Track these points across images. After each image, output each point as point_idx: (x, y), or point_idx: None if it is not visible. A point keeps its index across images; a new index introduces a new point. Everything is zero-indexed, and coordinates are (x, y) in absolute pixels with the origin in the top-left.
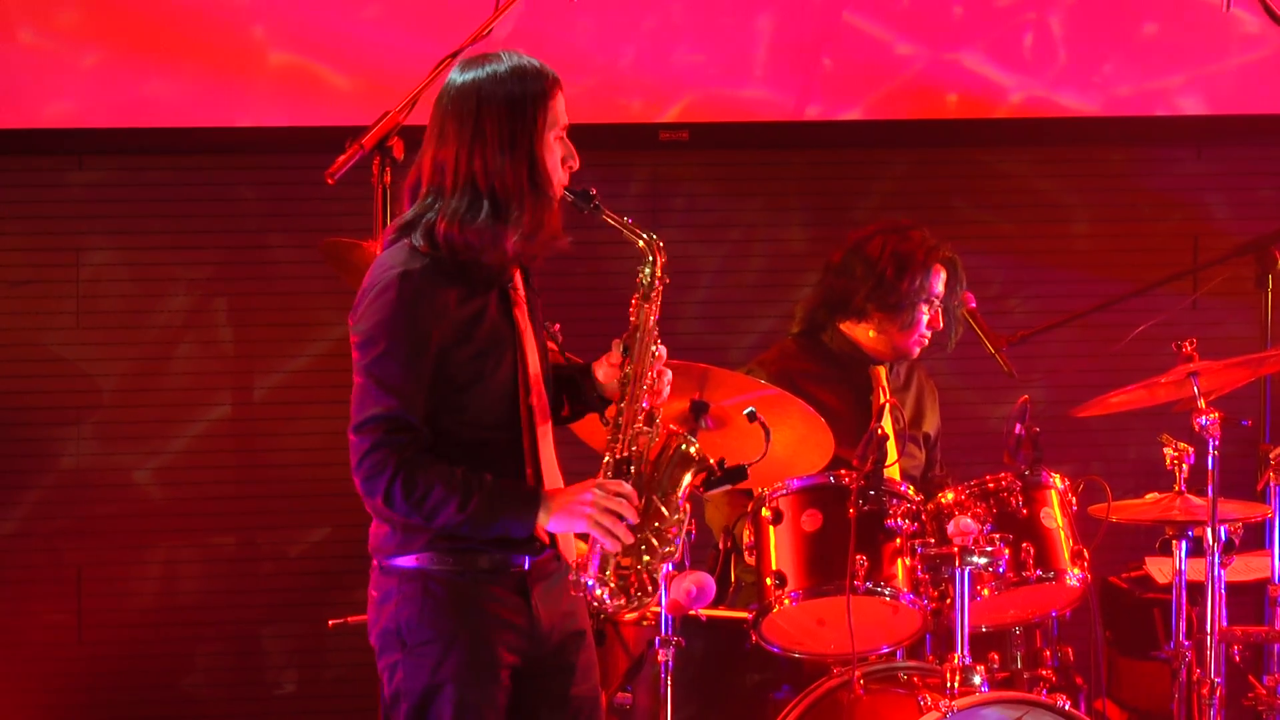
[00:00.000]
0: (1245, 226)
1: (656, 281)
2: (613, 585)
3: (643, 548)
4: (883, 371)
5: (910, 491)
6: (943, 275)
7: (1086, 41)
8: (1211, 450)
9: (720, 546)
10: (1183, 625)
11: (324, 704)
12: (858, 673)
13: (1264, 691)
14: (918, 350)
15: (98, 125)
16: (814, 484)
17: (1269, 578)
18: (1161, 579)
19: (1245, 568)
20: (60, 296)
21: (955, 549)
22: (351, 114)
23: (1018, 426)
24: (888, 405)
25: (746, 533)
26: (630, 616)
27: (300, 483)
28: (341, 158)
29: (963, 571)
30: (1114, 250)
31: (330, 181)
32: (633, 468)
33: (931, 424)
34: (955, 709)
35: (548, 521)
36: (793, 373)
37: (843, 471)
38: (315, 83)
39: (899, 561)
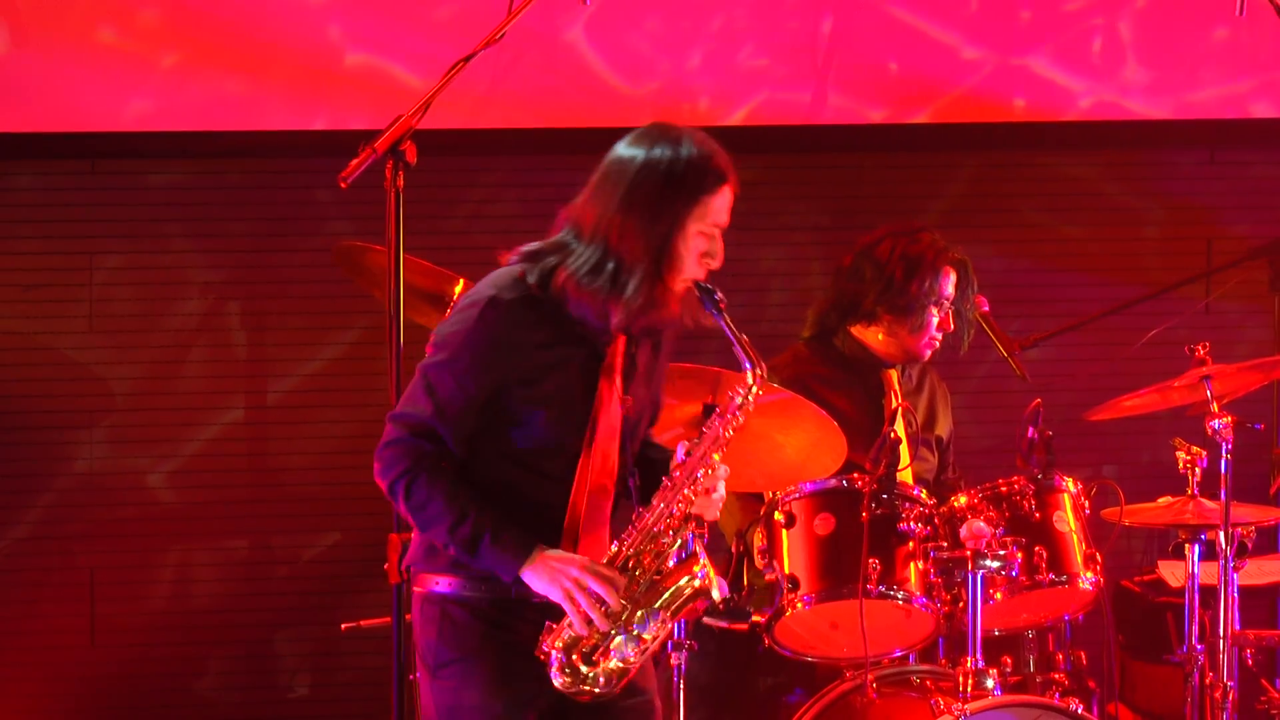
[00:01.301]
0: (1259, 230)
1: (748, 402)
2: (570, 668)
3: (611, 644)
4: (895, 375)
5: (923, 495)
6: (953, 277)
7: (1155, 46)
8: (1224, 454)
9: (733, 550)
10: (1195, 629)
11: (337, 708)
12: (870, 676)
13: (1277, 695)
14: (929, 353)
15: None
16: (827, 488)
17: None
18: (1174, 583)
19: (1258, 571)
20: (73, 300)
21: (968, 552)
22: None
23: (1030, 430)
24: (900, 409)
25: (758, 537)
26: (585, 700)
27: (313, 486)
28: (354, 161)
29: (975, 575)
30: (1127, 254)
31: (343, 185)
32: (634, 566)
33: (944, 427)
34: (968, 713)
35: (527, 575)
36: (805, 377)
37: (856, 475)
38: (390, 83)
39: (912, 565)
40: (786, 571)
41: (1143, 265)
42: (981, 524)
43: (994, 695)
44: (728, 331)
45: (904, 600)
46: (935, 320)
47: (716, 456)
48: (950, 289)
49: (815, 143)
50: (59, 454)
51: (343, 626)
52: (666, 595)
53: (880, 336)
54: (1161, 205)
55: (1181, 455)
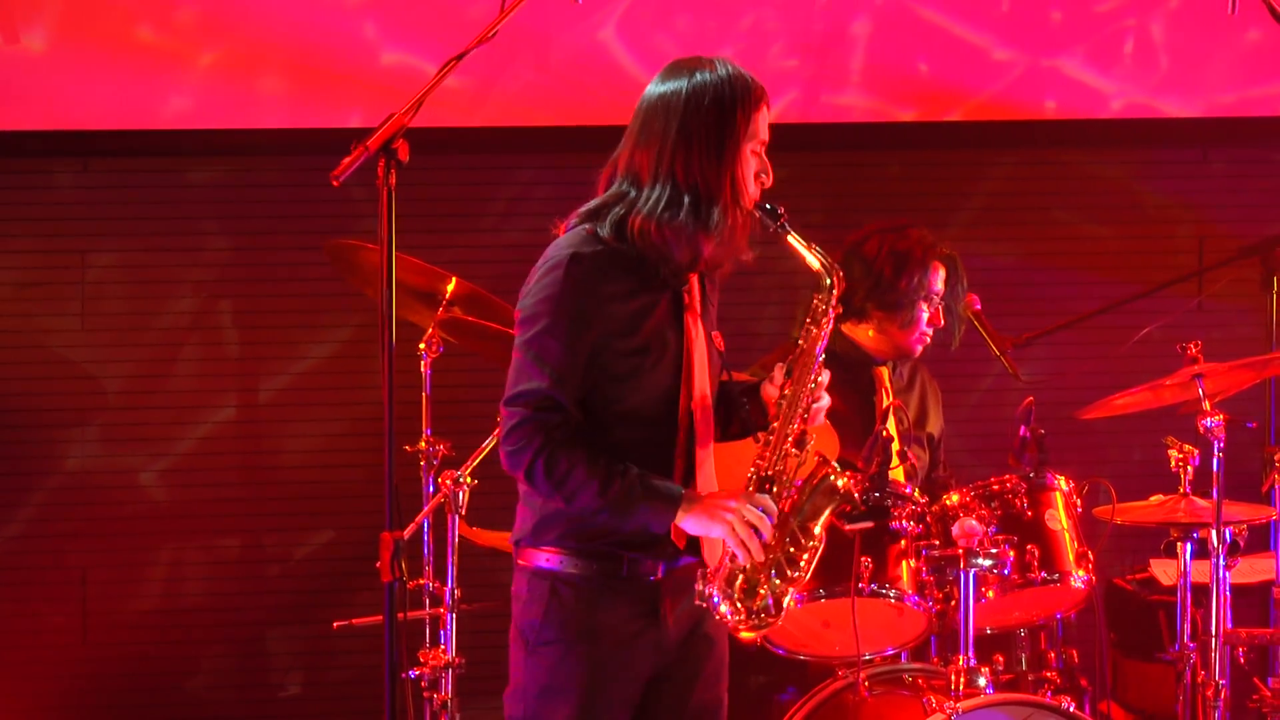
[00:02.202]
0: (1251, 229)
1: (830, 308)
2: (738, 601)
3: (773, 569)
4: (885, 372)
5: (915, 494)
6: (942, 272)
7: (1185, 46)
8: (1216, 452)
9: None
10: (1187, 627)
11: (329, 706)
12: (863, 675)
13: (1269, 693)
14: (919, 349)
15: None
16: None
17: (1274, 580)
18: (1166, 581)
19: (1250, 570)
20: (65, 299)
21: (960, 551)
22: (460, 115)
23: (1023, 428)
24: (892, 407)
25: None
26: (748, 635)
27: (305, 485)
28: (346, 160)
29: (967, 573)
30: (1119, 252)
31: (335, 184)
32: (775, 487)
33: (935, 425)
34: (960, 711)
35: (684, 519)
36: None
37: (848, 474)
38: (424, 82)
39: (904, 563)
40: None
41: (1135, 263)
42: (973, 522)
43: (986, 694)
44: (798, 245)
45: (896, 598)
46: (925, 316)
47: (819, 370)
48: (940, 284)
49: (842, 140)
50: (51, 452)
51: (335, 625)
52: (807, 508)
53: (870, 333)
54: (1153, 203)
55: (1174, 453)
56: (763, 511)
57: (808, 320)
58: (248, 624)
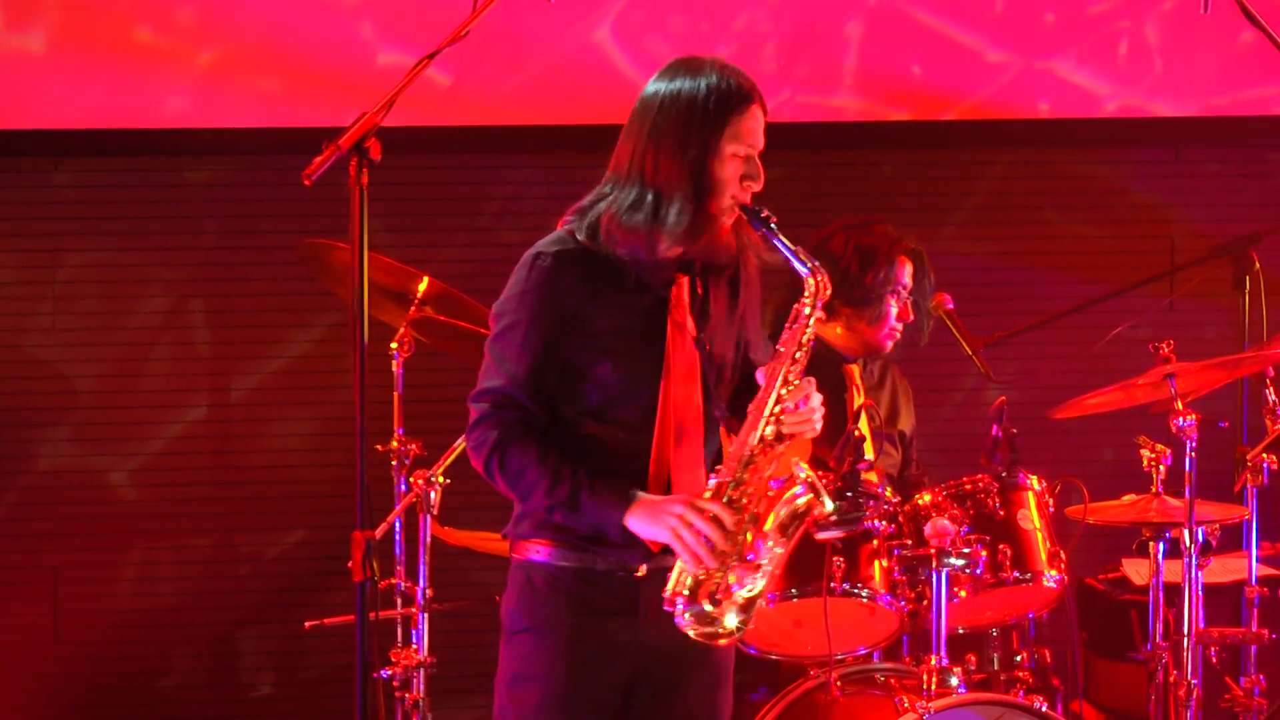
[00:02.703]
0: (1222, 228)
1: (813, 311)
2: (702, 608)
3: (730, 579)
4: (856, 370)
5: (887, 493)
6: (909, 267)
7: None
8: (1189, 452)
9: None
10: (1160, 627)
11: (300, 705)
12: (835, 674)
13: (1240, 693)
14: (889, 344)
15: (86, 127)
16: None
17: (1246, 579)
18: (1138, 580)
19: (1222, 569)
20: (37, 299)
21: (932, 550)
22: (454, 114)
23: (995, 428)
24: (864, 406)
25: None
26: (724, 642)
27: (277, 484)
28: (318, 159)
29: (940, 573)
30: (1091, 252)
31: (307, 183)
32: (737, 496)
33: (907, 423)
34: (932, 711)
35: (632, 522)
36: None
37: (820, 473)
38: (420, 82)
39: (876, 563)
40: None
41: (1107, 263)
42: (946, 522)
43: (958, 693)
44: (781, 246)
45: (868, 598)
46: (894, 311)
47: (794, 372)
48: (907, 278)
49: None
50: (22, 452)
51: (306, 624)
52: (773, 519)
53: (839, 331)
54: (1125, 203)
55: (1146, 453)
56: (715, 517)
57: (787, 323)
58: (219, 624)
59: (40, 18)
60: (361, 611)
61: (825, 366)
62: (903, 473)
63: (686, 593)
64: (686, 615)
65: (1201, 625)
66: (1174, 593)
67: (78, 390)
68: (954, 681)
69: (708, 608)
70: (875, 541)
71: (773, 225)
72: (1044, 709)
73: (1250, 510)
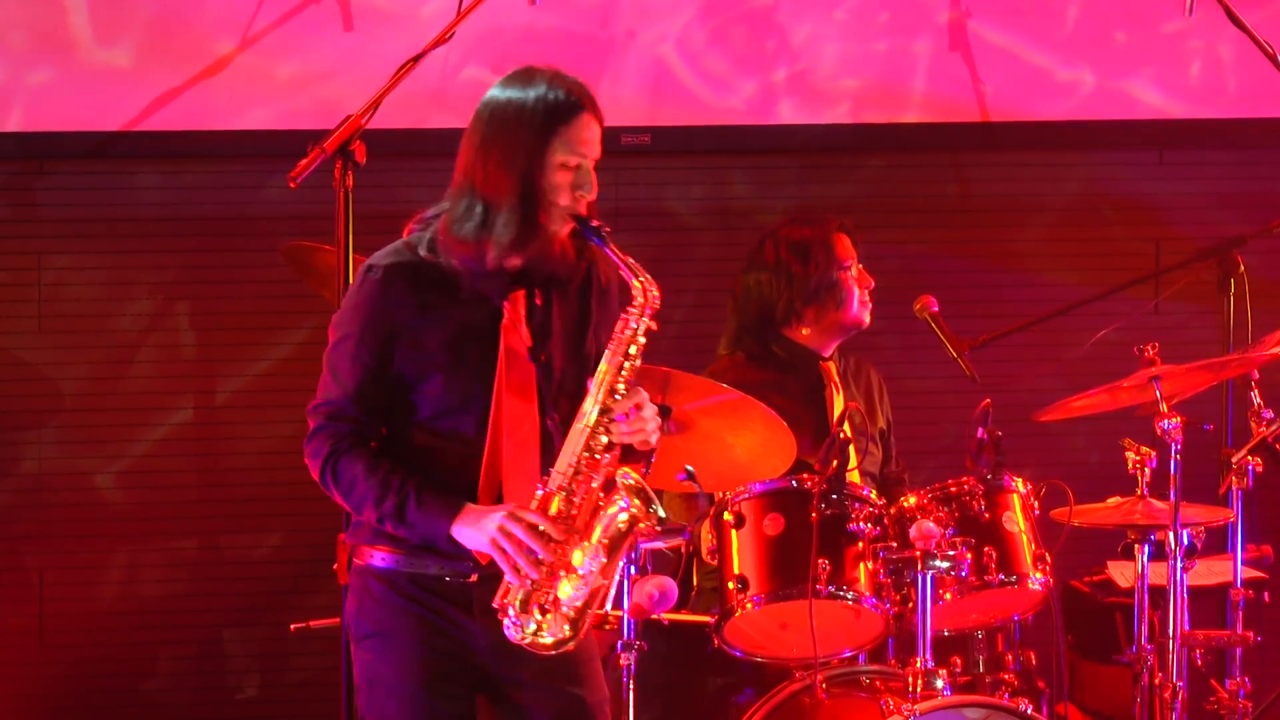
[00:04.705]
0: (1207, 231)
1: (639, 323)
2: (533, 617)
3: (558, 590)
4: (833, 367)
5: (873, 495)
6: (845, 240)
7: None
8: (1174, 454)
9: (682, 551)
10: (1145, 629)
11: (286, 708)
12: (820, 677)
13: (1225, 695)
14: (866, 314)
15: (61, 129)
16: (776, 488)
17: (1231, 582)
18: (1123, 583)
19: (1207, 572)
20: (22, 301)
21: (917, 553)
22: (418, 117)
23: (980, 430)
24: (848, 409)
25: (707, 534)
26: (554, 652)
27: (262, 487)
28: (304, 162)
29: (925, 575)
30: (1076, 254)
31: (292, 185)
32: (565, 508)
33: (884, 418)
34: (917, 713)
35: (458, 532)
36: (743, 383)
37: (805, 476)
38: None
39: (861, 565)
40: (736, 572)
41: (1092, 266)
42: (931, 524)
43: (943, 695)
44: (613, 256)
45: (853, 600)
46: (854, 285)
47: (621, 384)
48: (849, 249)
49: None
50: (7, 454)
51: (292, 627)
52: (599, 530)
53: (805, 331)
54: (1110, 206)
55: (1131, 455)
56: (535, 529)
57: (616, 331)
58: (204, 626)
59: (128, 32)
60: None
61: (801, 368)
62: (883, 469)
63: (518, 604)
64: (515, 624)
65: (1186, 628)
66: (1159, 595)
67: (63, 392)
68: (939, 684)
69: (536, 617)
70: (861, 544)
71: (604, 234)
72: (1029, 711)
73: (1235, 512)
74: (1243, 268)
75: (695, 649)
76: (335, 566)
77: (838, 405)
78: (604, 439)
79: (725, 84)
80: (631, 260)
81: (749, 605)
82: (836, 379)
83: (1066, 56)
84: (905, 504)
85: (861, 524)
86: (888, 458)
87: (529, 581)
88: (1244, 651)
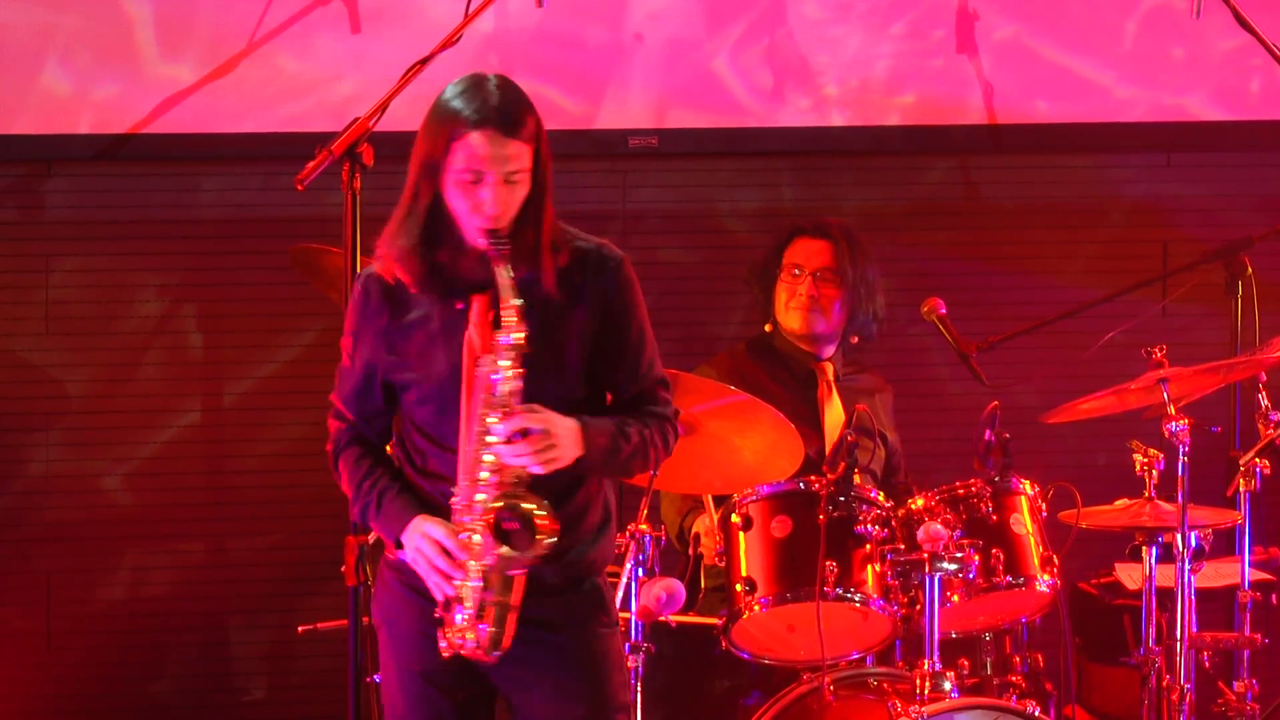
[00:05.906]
0: (1215, 233)
1: (506, 347)
2: (475, 627)
3: (480, 602)
4: (829, 367)
5: (880, 498)
6: (805, 244)
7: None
8: (1181, 456)
9: (689, 553)
10: (1152, 631)
11: (293, 710)
12: (827, 679)
13: (1233, 697)
14: (797, 321)
15: (68, 132)
16: (783, 490)
17: (1238, 584)
18: (1131, 585)
19: (1215, 574)
20: (29, 303)
21: (925, 555)
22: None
23: (987, 432)
24: (857, 412)
25: (696, 523)
26: (478, 657)
27: (270, 489)
28: (311, 164)
29: (932, 577)
30: (1084, 257)
31: (300, 188)
32: (470, 520)
33: (888, 431)
34: (925, 715)
35: (403, 541)
36: (733, 374)
37: (813, 477)
38: (544, 104)
39: (869, 568)
40: (744, 574)
41: (1099, 268)
42: (938, 526)
43: (951, 698)
44: (497, 277)
45: (861, 603)
46: (801, 289)
47: (495, 403)
48: (800, 256)
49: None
50: (14, 456)
51: (299, 629)
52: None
53: (769, 329)
54: (1118, 208)
55: (1138, 458)
56: (439, 547)
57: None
58: (212, 628)
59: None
60: (355, 616)
61: (793, 364)
62: (889, 479)
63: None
64: (448, 632)
65: (1194, 630)
66: (1167, 597)
67: (70, 395)
68: (947, 686)
69: (472, 631)
70: (868, 546)
71: (498, 256)
72: (1037, 713)
73: (1243, 515)
74: (1250, 270)
75: (703, 651)
76: (343, 569)
77: (831, 406)
78: (491, 459)
79: (732, 87)
80: (510, 300)
81: (757, 607)
82: (831, 379)
83: (1076, 58)
84: (913, 506)
85: (869, 526)
86: (894, 469)
87: (440, 598)
88: (1252, 653)
